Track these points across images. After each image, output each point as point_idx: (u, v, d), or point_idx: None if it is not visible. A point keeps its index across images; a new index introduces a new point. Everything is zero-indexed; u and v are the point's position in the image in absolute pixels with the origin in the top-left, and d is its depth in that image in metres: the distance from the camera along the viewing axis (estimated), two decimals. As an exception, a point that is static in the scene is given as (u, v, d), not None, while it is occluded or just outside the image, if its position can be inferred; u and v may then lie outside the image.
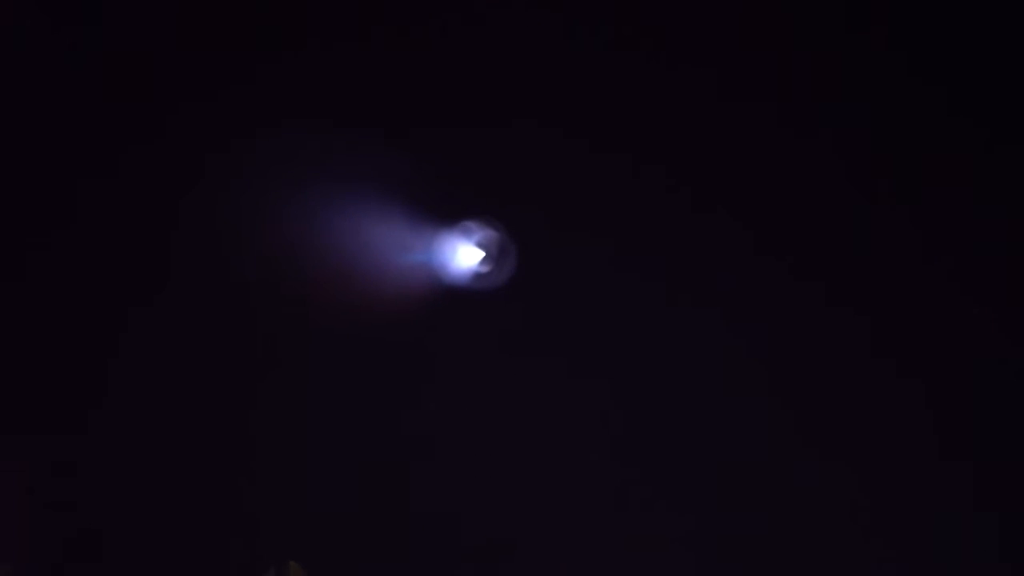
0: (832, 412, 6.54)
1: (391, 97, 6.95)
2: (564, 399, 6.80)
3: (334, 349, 6.83)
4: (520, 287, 7.19)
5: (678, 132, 6.77)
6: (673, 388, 6.68)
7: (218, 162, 6.73)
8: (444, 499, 6.61)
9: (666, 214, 6.80)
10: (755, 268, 6.66)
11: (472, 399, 6.86)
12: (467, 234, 7.29)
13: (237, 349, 6.74)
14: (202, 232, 6.74)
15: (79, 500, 6.47)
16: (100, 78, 6.65)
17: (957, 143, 6.52)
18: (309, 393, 6.78)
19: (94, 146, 6.74)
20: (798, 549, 6.38)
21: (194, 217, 6.74)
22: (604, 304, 6.91)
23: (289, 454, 6.66)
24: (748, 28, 6.58)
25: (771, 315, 6.60)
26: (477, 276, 7.30)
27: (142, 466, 6.56)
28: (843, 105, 6.54)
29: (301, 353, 6.80)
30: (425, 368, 7.01)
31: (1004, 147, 6.44)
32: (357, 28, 6.83)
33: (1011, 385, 6.38)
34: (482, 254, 7.29)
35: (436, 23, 6.81)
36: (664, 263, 6.81)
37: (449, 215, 7.22)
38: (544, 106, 6.96)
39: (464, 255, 7.30)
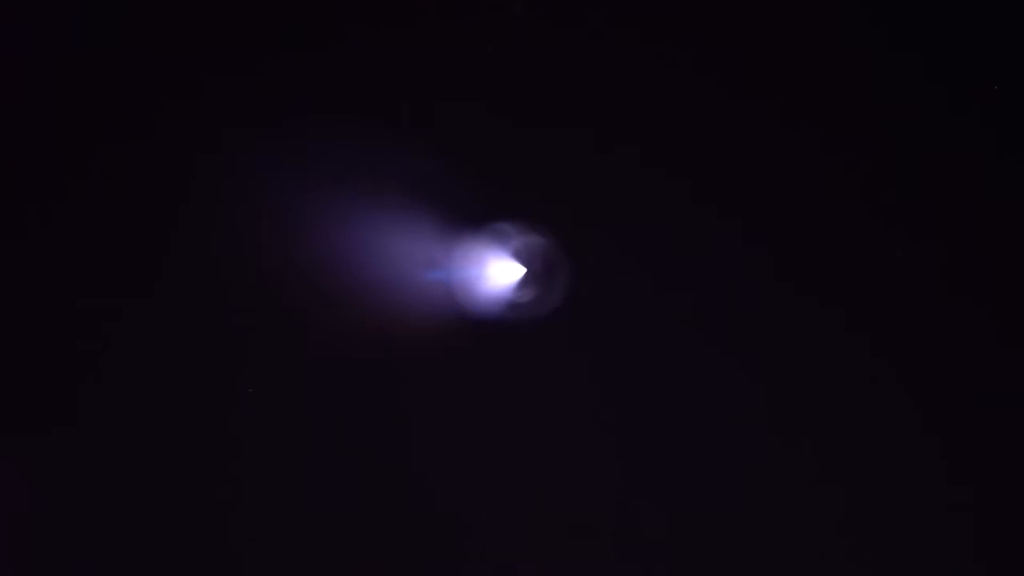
0: (839, 419, 6.79)
1: (411, 85, 6.85)
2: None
3: (334, 375, 6.77)
4: (572, 315, 6.77)
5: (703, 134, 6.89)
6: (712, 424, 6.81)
7: (219, 161, 6.75)
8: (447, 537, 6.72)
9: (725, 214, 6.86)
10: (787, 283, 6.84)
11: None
12: (503, 243, 6.76)
13: (237, 357, 6.80)
14: (206, 237, 6.78)
15: (80, 502, 6.69)
16: (101, 74, 6.84)
17: (959, 144, 6.82)
18: (310, 409, 6.80)
19: (94, 146, 6.84)
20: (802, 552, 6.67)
21: (197, 221, 6.79)
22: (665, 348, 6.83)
23: (286, 463, 6.78)
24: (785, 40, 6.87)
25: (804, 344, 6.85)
26: (515, 302, 6.78)
27: (141, 477, 6.73)
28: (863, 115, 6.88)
29: (299, 375, 6.79)
30: (435, 414, 6.81)
31: (1006, 148, 6.82)
32: (381, 19, 6.85)
33: (1009, 386, 6.71)
34: (523, 271, 6.75)
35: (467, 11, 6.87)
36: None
37: (480, 219, 6.79)
38: (596, 96, 6.86)
39: (499, 272, 6.77)
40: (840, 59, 6.85)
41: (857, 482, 6.71)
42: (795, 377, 6.78)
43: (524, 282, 6.79)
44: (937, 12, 6.83)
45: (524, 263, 6.78)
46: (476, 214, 6.77)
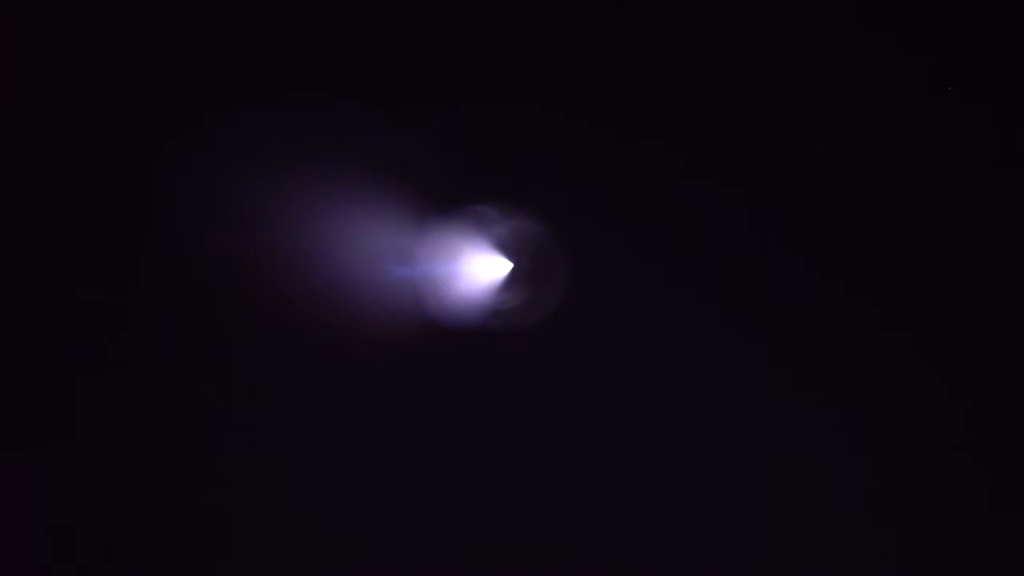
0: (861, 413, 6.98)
1: (378, 58, 6.85)
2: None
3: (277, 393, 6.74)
4: (568, 323, 6.59)
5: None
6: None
7: (173, 149, 6.74)
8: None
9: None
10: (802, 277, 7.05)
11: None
12: (485, 231, 6.62)
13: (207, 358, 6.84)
14: (156, 230, 6.84)
15: (76, 509, 6.83)
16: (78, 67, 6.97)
17: (961, 140, 7.11)
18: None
19: (71, 140, 6.88)
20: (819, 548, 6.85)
21: (165, 210, 6.83)
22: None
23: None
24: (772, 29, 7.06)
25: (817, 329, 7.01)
26: (500, 305, 6.58)
27: (120, 484, 6.81)
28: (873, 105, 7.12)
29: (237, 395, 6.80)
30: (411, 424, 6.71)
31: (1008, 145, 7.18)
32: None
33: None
34: (509, 267, 6.60)
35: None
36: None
37: (457, 202, 6.62)
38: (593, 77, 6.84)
39: (479, 268, 6.63)
40: (839, 58, 7.03)
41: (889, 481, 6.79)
42: (802, 382, 6.79)
43: (510, 281, 6.68)
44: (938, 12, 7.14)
45: (510, 257, 6.69)
46: (451, 196, 6.65)
